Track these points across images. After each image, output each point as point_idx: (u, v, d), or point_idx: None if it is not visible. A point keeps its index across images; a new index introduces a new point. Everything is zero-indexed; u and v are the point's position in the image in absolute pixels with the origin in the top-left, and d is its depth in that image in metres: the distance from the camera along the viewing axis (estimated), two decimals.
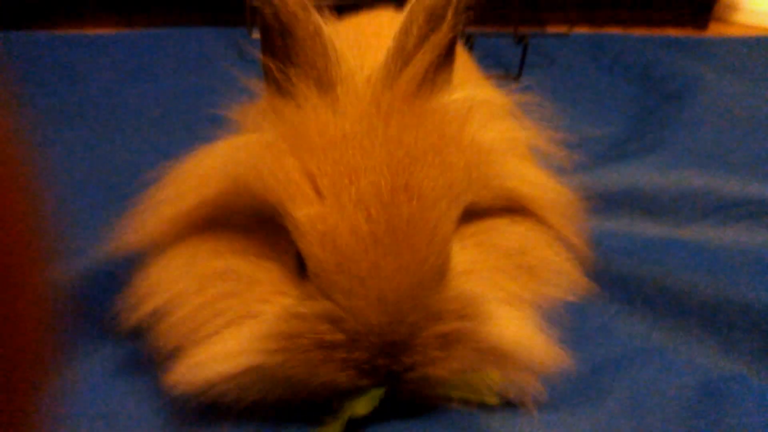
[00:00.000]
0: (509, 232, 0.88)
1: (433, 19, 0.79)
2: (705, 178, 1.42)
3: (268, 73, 0.82)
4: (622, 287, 1.14)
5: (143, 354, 0.85)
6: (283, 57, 0.79)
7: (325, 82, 0.78)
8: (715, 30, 3.21)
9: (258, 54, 0.84)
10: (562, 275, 0.92)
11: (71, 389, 0.90)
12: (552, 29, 2.75)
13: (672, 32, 3.06)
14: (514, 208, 0.89)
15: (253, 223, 0.80)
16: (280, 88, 0.80)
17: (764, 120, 1.87)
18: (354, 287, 0.71)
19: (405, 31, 0.79)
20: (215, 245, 0.81)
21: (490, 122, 0.89)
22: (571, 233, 0.94)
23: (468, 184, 0.79)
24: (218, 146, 0.85)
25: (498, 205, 0.87)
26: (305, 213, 0.72)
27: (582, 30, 2.87)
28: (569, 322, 0.92)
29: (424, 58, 0.78)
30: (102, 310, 0.97)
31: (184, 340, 0.79)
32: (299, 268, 0.77)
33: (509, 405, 0.88)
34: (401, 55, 0.79)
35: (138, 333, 0.84)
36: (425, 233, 0.73)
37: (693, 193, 1.40)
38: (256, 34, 2.26)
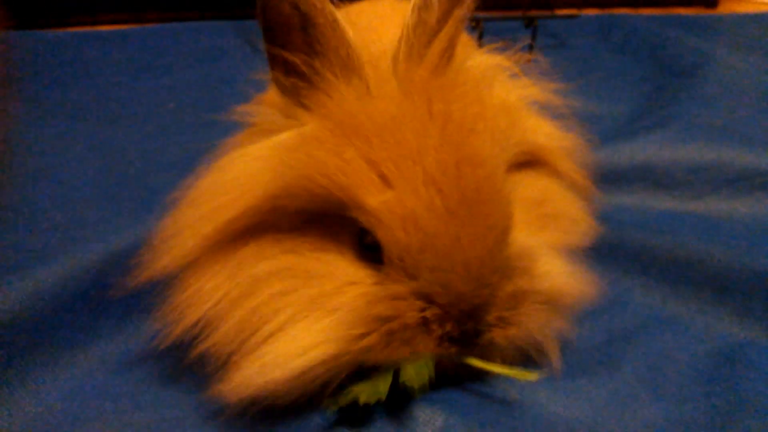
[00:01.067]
0: (532, 185, 0.92)
1: None
2: (716, 151, 1.43)
3: (285, 67, 0.81)
4: (636, 260, 1.15)
5: (185, 365, 0.84)
6: (307, 49, 0.78)
7: (350, 68, 0.78)
8: (725, 8, 3.20)
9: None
10: (578, 222, 0.96)
11: (96, 368, 0.93)
12: (561, 12, 2.75)
13: (682, 11, 3.05)
14: (531, 160, 0.92)
15: (300, 223, 0.80)
16: (308, 81, 0.80)
17: None
18: (441, 262, 0.73)
19: (425, 5, 0.79)
20: (260, 249, 0.80)
21: (506, 83, 0.93)
22: (580, 176, 0.99)
23: (508, 145, 0.82)
24: (250, 152, 0.83)
25: (521, 159, 0.90)
26: (380, 200, 0.72)
27: (591, 11, 2.87)
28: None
29: (448, 31, 0.79)
30: (123, 296, 1.01)
31: (241, 345, 0.77)
32: (364, 257, 0.78)
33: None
34: (424, 31, 0.79)
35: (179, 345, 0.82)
36: (493, 199, 0.75)
37: (705, 166, 1.40)
38: None
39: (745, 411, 0.85)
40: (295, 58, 0.79)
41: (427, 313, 0.75)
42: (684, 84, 1.92)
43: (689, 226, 1.24)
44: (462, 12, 0.81)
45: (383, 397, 0.77)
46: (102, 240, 1.07)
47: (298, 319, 0.76)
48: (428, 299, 0.75)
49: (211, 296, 0.79)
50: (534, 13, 2.30)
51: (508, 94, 0.89)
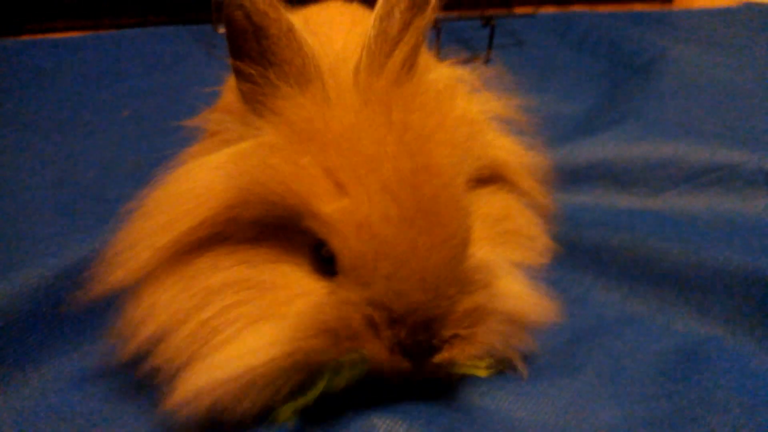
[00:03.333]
0: (492, 201, 0.91)
1: (417, 4, 0.79)
2: (673, 147, 1.43)
3: (245, 77, 0.80)
4: (595, 258, 1.16)
5: (140, 378, 0.81)
6: (260, 58, 0.78)
7: (307, 78, 0.77)
8: (680, 4, 3.24)
9: (226, 50, 0.83)
10: (537, 240, 0.95)
11: (50, 387, 0.91)
12: (519, 10, 2.76)
13: (639, 8, 3.08)
14: (492, 176, 0.91)
15: (256, 234, 0.79)
16: (263, 90, 0.79)
17: (730, 89, 1.89)
18: (396, 271, 0.72)
19: (386, 15, 0.79)
20: (215, 260, 0.79)
21: (467, 96, 0.91)
22: (541, 195, 0.97)
23: (468, 158, 0.80)
24: (206, 161, 0.81)
25: (482, 175, 0.88)
26: (334, 208, 0.71)
27: (549, 9, 2.89)
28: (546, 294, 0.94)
29: (409, 41, 0.79)
30: (77, 311, 0.98)
31: (192, 355, 0.76)
32: (320, 269, 0.77)
33: (489, 377, 0.89)
34: (385, 40, 0.78)
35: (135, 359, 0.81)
36: (451, 209, 0.74)
37: (662, 162, 1.41)
38: (221, 29, 2.25)
39: (707, 408, 0.85)
40: (251, 69, 0.78)
41: (376, 316, 0.73)
42: (641, 80, 1.94)
43: (648, 223, 1.25)
44: (423, 22, 0.81)
45: (310, 401, 0.75)
46: (54, 254, 1.04)
47: (247, 329, 0.76)
48: (381, 306, 0.73)
49: (166, 310, 0.77)
50: (492, 12, 2.31)
51: (469, 107, 0.88)
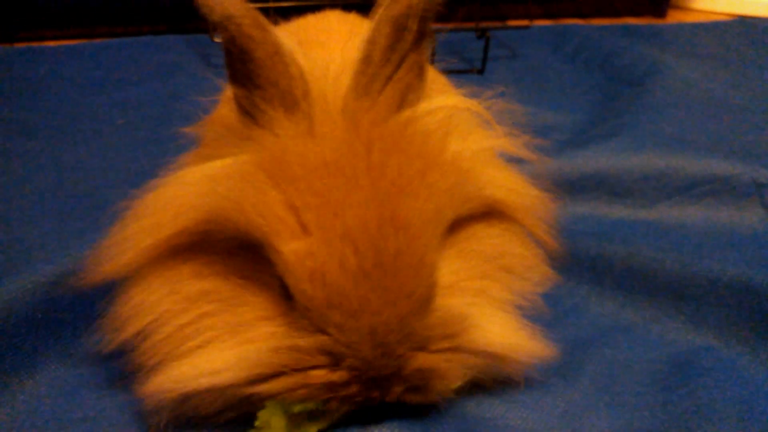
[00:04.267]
0: (487, 237, 0.89)
1: (399, 29, 0.77)
2: (667, 159, 1.44)
3: (236, 97, 0.80)
4: (590, 269, 1.16)
5: (124, 371, 0.85)
6: (246, 81, 0.77)
7: (292, 102, 0.76)
8: (673, 17, 3.26)
9: (222, 59, 0.83)
10: (535, 270, 0.94)
11: (45, 393, 0.90)
12: (513, 23, 2.77)
13: (632, 21, 3.10)
14: (489, 212, 0.90)
15: (235, 247, 0.79)
16: (247, 113, 0.78)
17: (723, 102, 1.90)
18: (346, 322, 0.72)
19: (371, 40, 0.77)
20: (197, 267, 0.80)
21: (466, 133, 0.89)
22: (543, 231, 0.96)
23: (452, 205, 0.79)
24: (189, 174, 0.83)
25: (475, 213, 0.88)
26: (292, 249, 0.71)
27: (543, 23, 2.90)
28: (541, 305, 0.94)
29: (390, 72, 0.78)
30: (73, 316, 0.98)
31: (166, 356, 0.78)
32: (285, 294, 0.76)
33: (486, 387, 0.89)
34: (368, 66, 0.77)
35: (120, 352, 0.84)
36: (412, 265, 0.73)
37: (656, 174, 1.42)
38: (218, 38, 2.25)
39: (701, 417, 0.85)
40: (239, 91, 0.78)
41: (333, 376, 0.73)
42: (634, 93, 1.95)
43: (642, 234, 1.25)
44: (418, 57, 0.79)
45: None
46: (49, 260, 1.04)
47: (214, 343, 0.78)
48: (334, 357, 0.73)
49: (153, 310, 0.80)
50: (486, 24, 2.32)
51: (465, 145, 0.85)
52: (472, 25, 2.35)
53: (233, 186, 0.74)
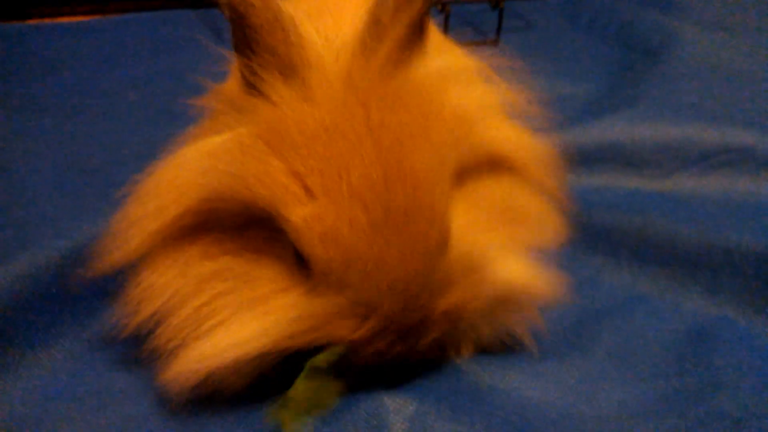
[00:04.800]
0: (495, 189, 0.89)
1: None
2: (684, 129, 1.43)
3: (239, 67, 0.79)
4: (606, 240, 1.15)
5: (140, 353, 0.84)
6: (245, 49, 0.76)
7: (289, 70, 0.74)
8: None
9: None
10: (547, 224, 0.94)
11: (59, 367, 0.91)
12: None
13: None
14: (496, 165, 0.89)
15: (242, 223, 0.78)
16: (247, 83, 0.77)
17: (740, 71, 1.87)
18: (363, 281, 0.71)
19: (381, 2, 0.76)
20: (207, 247, 0.80)
21: (468, 88, 0.87)
22: (551, 184, 0.95)
23: (456, 155, 0.79)
24: (189, 152, 0.82)
25: (482, 166, 0.87)
26: (300, 215, 0.70)
27: None
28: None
29: (397, 33, 0.76)
30: (88, 291, 0.98)
31: (185, 338, 0.78)
32: (300, 263, 0.76)
33: (498, 357, 0.89)
34: (377, 30, 0.75)
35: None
36: (424, 215, 0.73)
37: (672, 144, 1.40)
38: None
39: (716, 387, 0.85)
40: (239, 61, 0.77)
41: (356, 336, 0.73)
42: (651, 63, 1.92)
43: (658, 204, 1.24)
44: (413, 13, 0.77)
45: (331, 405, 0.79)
46: (62, 236, 1.04)
47: (233, 319, 0.77)
48: (357, 317, 0.73)
49: (164, 292, 0.79)
50: None
51: (467, 100, 0.84)
52: None
53: (233, 159, 0.74)
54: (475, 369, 0.88)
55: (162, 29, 2.37)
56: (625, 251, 1.13)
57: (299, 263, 0.76)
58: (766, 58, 2.01)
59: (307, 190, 0.71)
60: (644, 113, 1.50)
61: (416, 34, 0.79)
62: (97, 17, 2.55)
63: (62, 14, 2.61)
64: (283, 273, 0.78)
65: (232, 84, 0.89)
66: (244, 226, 0.79)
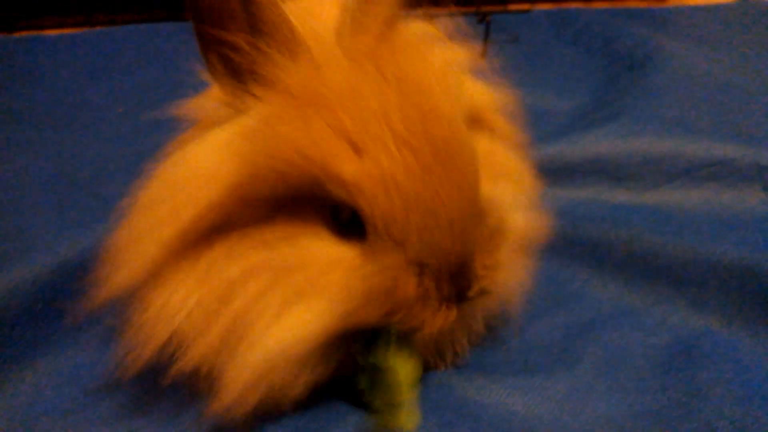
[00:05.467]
0: (479, 145, 0.88)
1: None
2: (669, 143, 1.44)
3: (231, 49, 0.75)
4: (591, 253, 1.16)
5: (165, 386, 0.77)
6: (249, 29, 0.73)
7: (295, 44, 0.73)
8: (675, 0, 3.24)
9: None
10: (523, 177, 0.96)
11: (45, 383, 0.91)
12: (514, 7, 2.76)
13: (633, 5, 3.09)
14: (476, 121, 0.90)
15: (266, 213, 0.75)
16: (254, 60, 0.74)
17: (724, 85, 1.89)
18: (426, 222, 0.71)
19: None
20: (228, 248, 0.75)
21: (442, 48, 0.89)
22: (512, 132, 0.98)
23: (461, 102, 0.79)
24: (205, 143, 0.77)
25: (467, 120, 0.86)
26: (356, 168, 0.69)
27: (544, 6, 2.89)
28: (542, 290, 0.94)
29: (387, 8, 0.76)
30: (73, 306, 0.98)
31: (232, 351, 0.73)
32: (342, 234, 0.75)
33: (485, 372, 0.90)
34: (366, 5, 0.75)
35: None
36: (462, 152, 0.74)
37: (657, 158, 1.41)
38: None
39: (702, 401, 0.85)
40: (238, 39, 0.74)
41: (425, 281, 0.73)
42: (636, 77, 1.94)
43: (643, 218, 1.25)
44: None
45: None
46: (50, 250, 1.04)
47: (287, 311, 0.73)
48: (421, 263, 0.72)
49: (182, 308, 0.74)
50: (487, 8, 2.31)
51: (447, 57, 0.86)
52: (473, 9, 2.34)
53: (274, 130, 0.71)
54: (462, 382, 0.89)
55: (149, 42, 2.38)
56: (611, 265, 1.13)
57: (342, 233, 0.75)
58: (750, 72, 2.04)
59: (353, 145, 0.70)
60: (629, 127, 1.51)
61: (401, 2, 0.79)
62: (84, 30, 2.56)
63: (49, 26, 2.61)
64: (326, 249, 0.76)
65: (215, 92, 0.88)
66: (267, 217, 0.76)
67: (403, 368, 0.75)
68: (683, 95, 1.76)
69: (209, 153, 0.76)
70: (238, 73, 0.76)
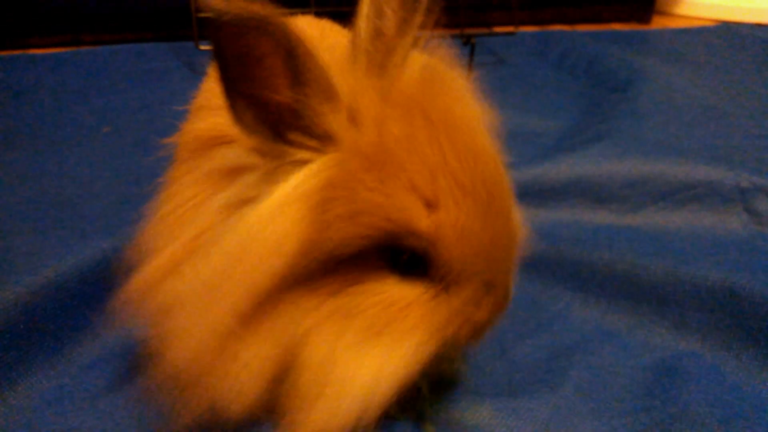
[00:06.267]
0: None
1: (409, 1, 0.77)
2: (651, 165, 1.45)
3: (267, 106, 0.73)
4: (574, 275, 1.16)
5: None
6: (291, 83, 0.70)
7: (333, 95, 0.71)
8: (658, 23, 3.28)
9: (207, 64, 0.79)
10: None
11: (26, 405, 0.90)
12: (499, 29, 2.79)
13: (617, 27, 3.12)
14: None
15: (329, 267, 0.75)
16: (296, 115, 0.72)
17: (706, 108, 1.92)
18: (492, 253, 0.75)
19: (379, 15, 0.76)
20: (295, 304, 0.75)
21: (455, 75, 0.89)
22: None
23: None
24: (266, 207, 0.73)
25: None
26: (432, 221, 0.71)
27: (528, 29, 2.92)
28: (526, 311, 0.94)
29: (409, 40, 0.77)
30: (55, 326, 0.97)
31: (315, 400, 0.75)
32: (405, 275, 0.76)
33: (469, 393, 0.90)
34: (383, 41, 0.75)
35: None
36: (505, 184, 0.78)
37: (640, 180, 1.43)
38: (203, 46, 2.25)
39: (684, 422, 0.86)
40: (279, 93, 0.71)
41: (491, 302, 0.77)
42: (618, 99, 1.96)
43: (626, 239, 1.26)
44: (421, 17, 0.78)
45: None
46: (31, 272, 1.03)
47: (371, 352, 0.74)
48: (489, 288, 0.77)
49: (265, 364, 0.75)
50: (472, 31, 2.33)
51: (463, 85, 0.86)
52: (457, 31, 2.36)
53: (347, 195, 0.71)
54: (446, 404, 0.89)
55: (134, 62, 2.38)
56: (594, 287, 1.14)
57: (405, 274, 0.76)
58: (731, 94, 2.06)
59: (425, 200, 0.71)
60: (612, 149, 1.52)
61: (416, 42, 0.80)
62: (69, 49, 2.55)
63: (35, 45, 2.60)
64: (396, 291, 0.76)
65: (201, 125, 0.87)
66: (330, 270, 0.75)
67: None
68: (665, 118, 1.78)
69: (274, 216, 0.73)
70: (274, 124, 0.74)
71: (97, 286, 1.04)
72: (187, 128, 0.94)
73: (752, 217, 1.37)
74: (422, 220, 0.71)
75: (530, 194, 0.99)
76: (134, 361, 0.95)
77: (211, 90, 0.91)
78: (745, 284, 1.05)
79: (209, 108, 0.89)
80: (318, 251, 0.72)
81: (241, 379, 0.75)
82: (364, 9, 0.77)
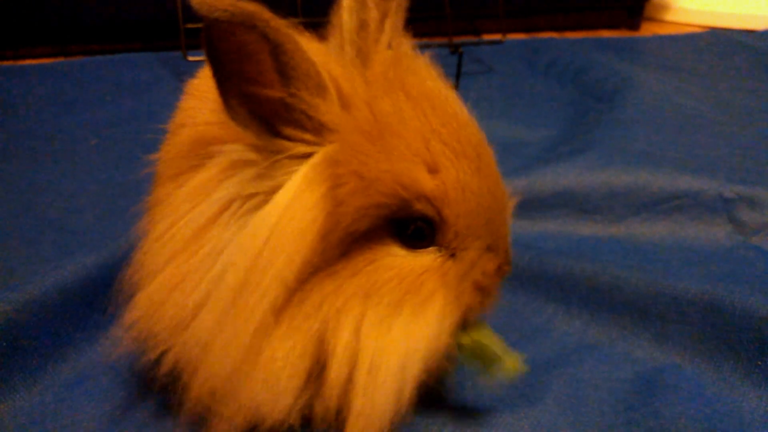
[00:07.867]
0: None
1: None
2: (635, 175, 1.45)
3: (260, 102, 0.74)
4: (558, 287, 1.16)
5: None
6: (280, 77, 0.72)
7: (323, 86, 0.73)
8: (647, 30, 3.29)
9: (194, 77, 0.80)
10: None
11: (9, 423, 0.90)
12: (487, 37, 2.79)
13: (606, 34, 3.13)
14: None
15: (340, 252, 0.76)
16: (289, 108, 0.73)
17: (692, 116, 1.92)
18: (491, 214, 0.79)
19: (362, 6, 0.80)
20: (320, 292, 0.76)
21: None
22: None
23: None
24: (278, 203, 0.74)
25: None
26: (436, 184, 0.74)
27: (517, 36, 2.92)
28: (508, 324, 0.94)
29: (392, 25, 0.81)
30: (39, 343, 0.97)
31: (348, 383, 0.76)
32: (412, 246, 0.79)
33: (450, 409, 0.90)
34: (368, 32, 0.80)
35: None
36: (488, 148, 0.81)
37: (623, 190, 1.43)
38: (191, 57, 2.25)
39: None
40: (271, 89, 0.73)
41: (500, 262, 0.82)
42: (605, 108, 1.96)
43: (609, 251, 1.27)
44: (401, 18, 0.83)
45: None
46: (15, 287, 1.02)
47: (392, 328, 0.76)
48: (493, 249, 0.81)
49: (285, 359, 0.76)
50: (460, 39, 2.33)
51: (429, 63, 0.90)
52: (445, 40, 2.37)
53: (358, 171, 0.73)
54: (425, 419, 0.89)
55: (123, 72, 2.38)
56: (576, 299, 1.14)
57: (412, 246, 0.79)
58: (717, 103, 2.07)
59: (428, 165, 0.74)
60: (597, 159, 1.53)
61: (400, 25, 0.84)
62: (58, 60, 2.55)
63: (23, 56, 2.60)
64: (408, 262, 0.79)
65: (189, 132, 0.87)
66: (345, 251, 0.77)
67: (487, 331, 0.85)
68: (650, 127, 1.79)
69: (293, 206, 0.74)
70: (268, 118, 0.75)
71: (81, 302, 1.04)
72: (169, 144, 0.94)
73: (736, 227, 1.38)
74: (428, 183, 0.74)
75: (515, 206, 0.99)
76: (117, 379, 0.95)
77: (192, 108, 0.91)
78: (725, 296, 1.05)
79: (193, 125, 0.88)
80: (336, 230, 0.74)
81: (280, 380, 0.76)
82: (346, 1, 0.81)
